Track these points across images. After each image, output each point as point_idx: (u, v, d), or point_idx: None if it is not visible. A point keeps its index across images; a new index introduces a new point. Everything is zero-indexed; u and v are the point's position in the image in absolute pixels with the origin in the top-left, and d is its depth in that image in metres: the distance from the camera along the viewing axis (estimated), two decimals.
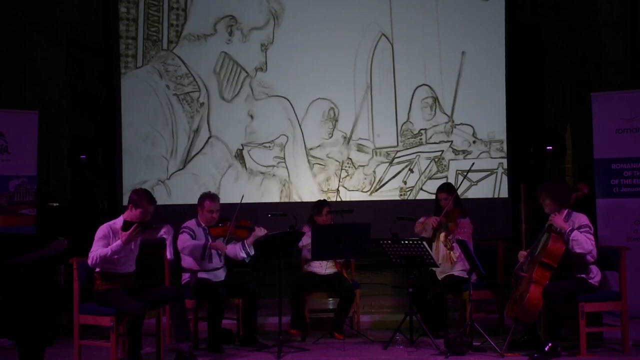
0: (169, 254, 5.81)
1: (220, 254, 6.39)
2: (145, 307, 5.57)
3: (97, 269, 5.61)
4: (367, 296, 7.70)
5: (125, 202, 8.44)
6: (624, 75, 8.79)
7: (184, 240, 6.23)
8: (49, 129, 8.77)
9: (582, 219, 5.90)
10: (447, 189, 6.68)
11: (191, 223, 6.37)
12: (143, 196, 5.68)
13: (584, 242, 5.75)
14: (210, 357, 6.02)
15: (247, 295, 6.38)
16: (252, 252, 6.38)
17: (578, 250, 5.76)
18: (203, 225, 6.37)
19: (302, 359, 5.97)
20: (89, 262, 5.51)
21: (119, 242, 5.48)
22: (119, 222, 5.65)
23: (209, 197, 6.42)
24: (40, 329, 4.31)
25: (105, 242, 5.53)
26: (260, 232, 6.38)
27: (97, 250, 5.48)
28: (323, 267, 6.73)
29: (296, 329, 6.50)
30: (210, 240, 6.31)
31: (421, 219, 6.64)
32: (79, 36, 9.97)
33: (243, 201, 6.35)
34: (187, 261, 6.34)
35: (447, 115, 8.56)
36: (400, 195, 8.53)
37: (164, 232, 5.66)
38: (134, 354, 5.57)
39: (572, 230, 5.77)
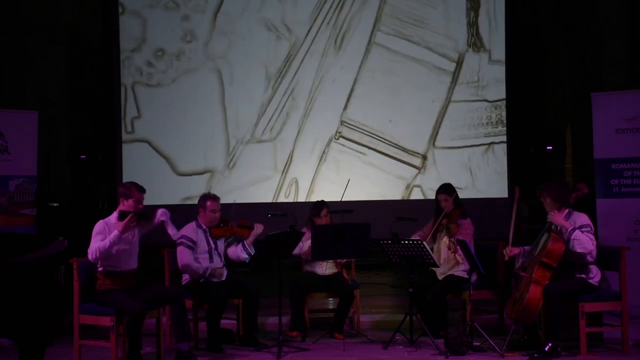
0: (172, 235, 5.81)
1: (220, 254, 6.40)
2: (145, 307, 5.57)
3: (100, 268, 5.61)
4: (367, 296, 7.71)
5: None
6: (624, 75, 8.79)
7: (183, 257, 6.20)
8: (49, 129, 8.78)
9: (583, 218, 5.90)
10: (446, 190, 6.67)
11: (190, 229, 6.31)
12: (131, 187, 5.72)
13: (585, 241, 5.74)
14: (210, 357, 6.02)
15: (247, 295, 6.38)
16: (253, 252, 6.40)
17: (579, 250, 5.75)
18: (204, 227, 6.36)
19: (302, 359, 5.97)
20: (89, 257, 5.51)
21: (115, 232, 5.49)
22: (113, 217, 5.66)
23: (211, 197, 6.42)
24: (40, 329, 4.31)
25: (102, 237, 5.54)
26: (259, 229, 6.39)
27: (96, 244, 5.50)
28: (323, 267, 6.73)
29: (296, 331, 6.50)
30: (209, 266, 6.29)
31: (416, 235, 6.62)
32: (79, 36, 9.99)
33: (237, 201, 6.42)
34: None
35: (447, 114, 8.55)
36: (400, 195, 8.54)
37: (160, 215, 5.69)
38: (134, 354, 5.57)
39: (573, 230, 5.77)
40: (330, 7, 8.67)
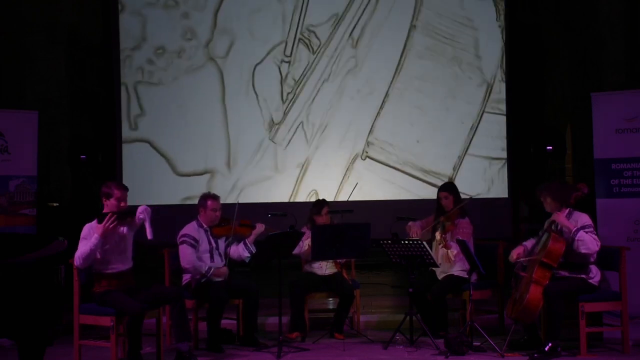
0: (149, 234, 5.53)
1: (221, 254, 6.40)
2: (145, 307, 5.57)
3: (94, 271, 5.60)
4: (367, 296, 7.70)
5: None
6: (624, 75, 8.79)
7: (186, 255, 6.19)
8: (49, 129, 8.78)
9: (584, 218, 5.89)
10: (447, 188, 6.69)
11: (191, 228, 6.32)
12: (111, 185, 5.65)
13: (589, 242, 5.73)
14: (210, 357, 6.02)
15: (247, 295, 6.38)
16: (254, 250, 6.40)
17: (584, 251, 5.74)
18: (205, 226, 6.36)
19: (302, 359, 5.97)
20: (75, 263, 5.49)
21: (95, 235, 5.43)
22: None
23: (211, 196, 6.42)
24: (40, 329, 4.31)
25: (87, 241, 5.50)
26: (260, 228, 6.40)
27: (80, 249, 5.47)
28: (323, 268, 6.73)
29: (296, 331, 6.49)
30: (212, 265, 6.29)
31: (409, 224, 6.63)
32: (79, 36, 9.98)
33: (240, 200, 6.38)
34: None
35: (447, 115, 8.55)
36: (400, 195, 8.54)
37: (140, 213, 5.49)
38: (134, 354, 5.57)
39: (577, 230, 5.76)
40: (354, 16, 8.63)
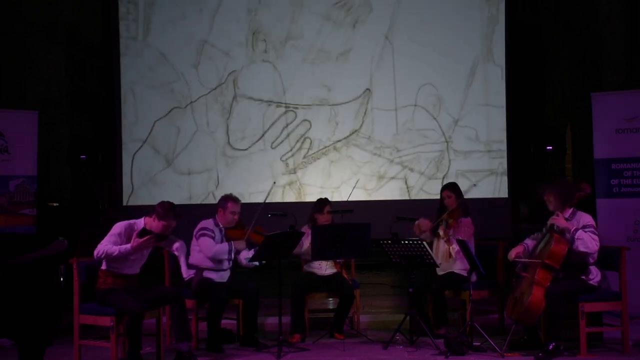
0: (184, 273, 5.85)
1: (230, 260, 6.39)
2: (145, 307, 5.58)
3: (104, 267, 5.62)
4: (367, 296, 7.71)
5: (125, 202, 8.45)
6: (624, 75, 8.80)
7: (207, 244, 6.24)
8: (49, 129, 8.79)
9: (586, 218, 5.88)
10: (450, 187, 6.70)
11: (208, 223, 6.36)
12: (169, 211, 5.68)
13: (588, 241, 5.73)
14: (210, 357, 6.02)
15: (247, 296, 6.38)
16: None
17: (582, 249, 5.73)
18: (221, 225, 6.37)
19: (302, 359, 5.97)
20: (95, 253, 5.50)
21: (129, 246, 5.48)
22: (140, 223, 5.66)
23: (232, 199, 6.41)
24: (40, 329, 4.31)
25: (117, 239, 5.53)
26: None
27: (106, 245, 5.49)
28: (323, 268, 6.72)
29: (296, 333, 6.48)
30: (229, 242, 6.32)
31: (417, 222, 6.63)
32: (79, 36, 10.00)
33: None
34: (195, 257, 6.32)
35: (447, 115, 8.55)
36: (400, 195, 8.54)
37: (176, 249, 5.69)
38: (134, 354, 5.57)
39: (576, 230, 5.75)
40: None
